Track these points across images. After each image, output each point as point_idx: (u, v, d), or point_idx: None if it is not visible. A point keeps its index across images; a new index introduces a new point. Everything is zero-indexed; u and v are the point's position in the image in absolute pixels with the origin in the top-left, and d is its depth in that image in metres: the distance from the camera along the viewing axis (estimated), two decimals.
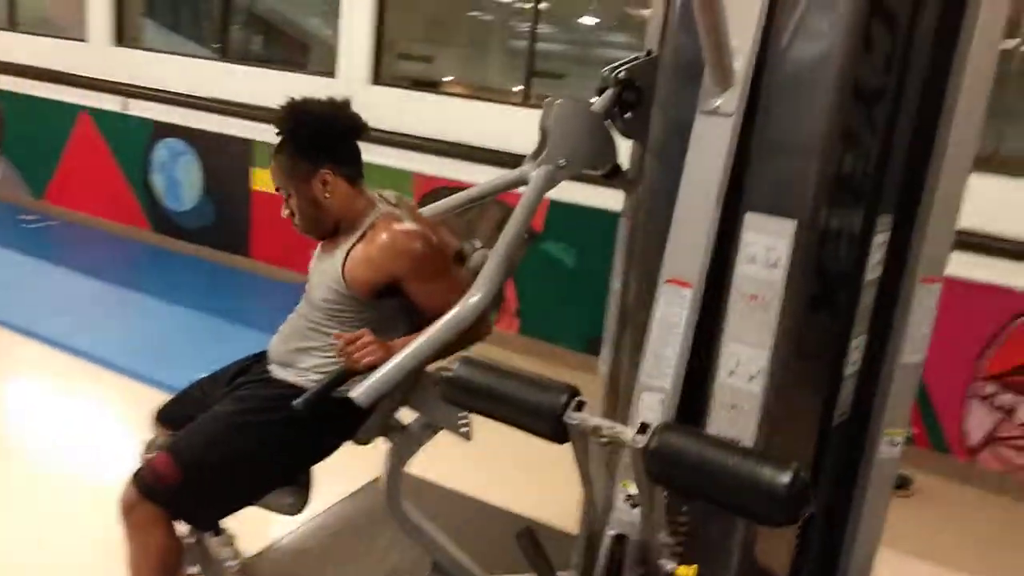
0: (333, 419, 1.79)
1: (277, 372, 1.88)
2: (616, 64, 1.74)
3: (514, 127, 4.20)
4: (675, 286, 1.28)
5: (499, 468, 2.98)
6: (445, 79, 5.53)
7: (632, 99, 1.71)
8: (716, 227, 1.27)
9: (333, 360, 1.76)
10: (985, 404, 3.29)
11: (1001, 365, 3.23)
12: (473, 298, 1.50)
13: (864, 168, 1.39)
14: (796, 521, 1.00)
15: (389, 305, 1.78)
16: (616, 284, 1.92)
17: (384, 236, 1.74)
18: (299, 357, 1.84)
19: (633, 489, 1.30)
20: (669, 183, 1.42)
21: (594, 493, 1.31)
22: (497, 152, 4.07)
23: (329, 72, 4.70)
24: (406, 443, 1.84)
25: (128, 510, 1.73)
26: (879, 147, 1.41)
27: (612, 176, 1.83)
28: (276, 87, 4.81)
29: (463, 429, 1.83)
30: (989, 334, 3.22)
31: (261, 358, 1.98)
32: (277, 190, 1.85)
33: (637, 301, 1.51)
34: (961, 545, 2.97)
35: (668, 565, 1.29)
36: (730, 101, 1.22)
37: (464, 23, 5.70)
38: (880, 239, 1.51)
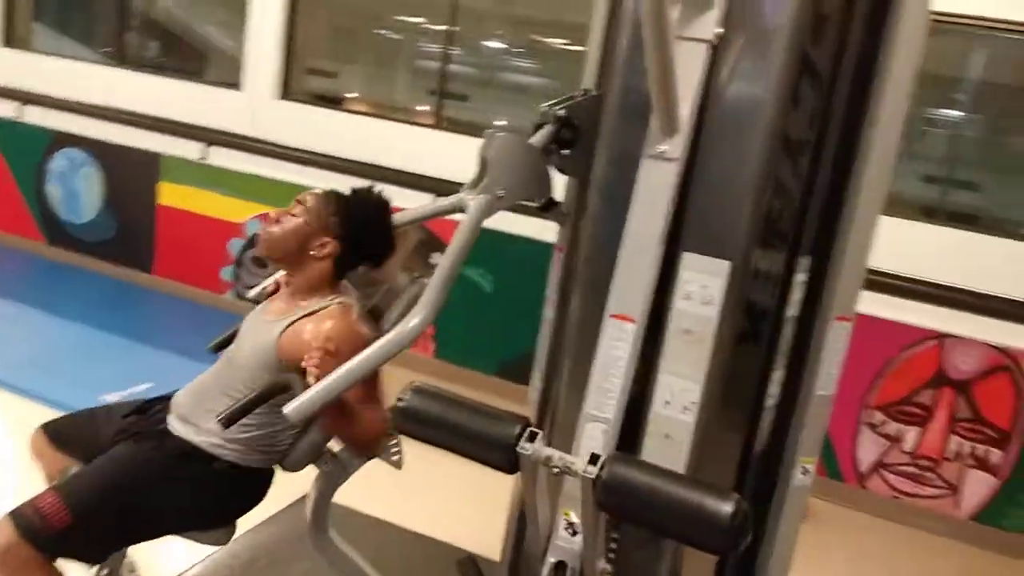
0: (240, 486, 1.77)
1: (176, 426, 1.81)
2: (555, 101, 1.80)
3: (426, 149, 4.26)
4: (619, 321, 1.33)
5: (422, 496, 2.97)
6: (350, 95, 5.51)
7: (569, 137, 1.77)
8: (659, 266, 1.33)
9: (237, 430, 1.73)
10: (874, 433, 3.50)
11: (888, 396, 3.46)
12: (412, 322, 1.50)
13: (789, 213, 1.49)
14: (737, 549, 1.06)
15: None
16: (549, 314, 1.97)
17: (331, 322, 1.72)
18: (204, 417, 1.77)
19: (574, 517, 1.34)
20: (612, 218, 1.48)
21: (538, 522, 1.33)
22: (410, 174, 4.08)
23: (233, 84, 4.62)
24: (335, 471, 1.82)
25: (3, 551, 1.58)
26: (801, 193, 1.50)
27: (547, 209, 1.88)
28: (181, 97, 4.73)
29: (394, 457, 1.84)
30: (879, 366, 3.45)
31: (159, 403, 1.91)
32: (297, 202, 1.82)
33: (579, 332, 1.56)
34: (851, 567, 3.14)
35: None
36: (675, 147, 1.29)
37: (371, 40, 5.69)
38: (800, 279, 1.61)
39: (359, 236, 1.81)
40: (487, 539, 2.62)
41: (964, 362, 3.28)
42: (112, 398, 2.98)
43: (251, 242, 4.50)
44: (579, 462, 1.15)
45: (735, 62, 1.34)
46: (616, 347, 1.33)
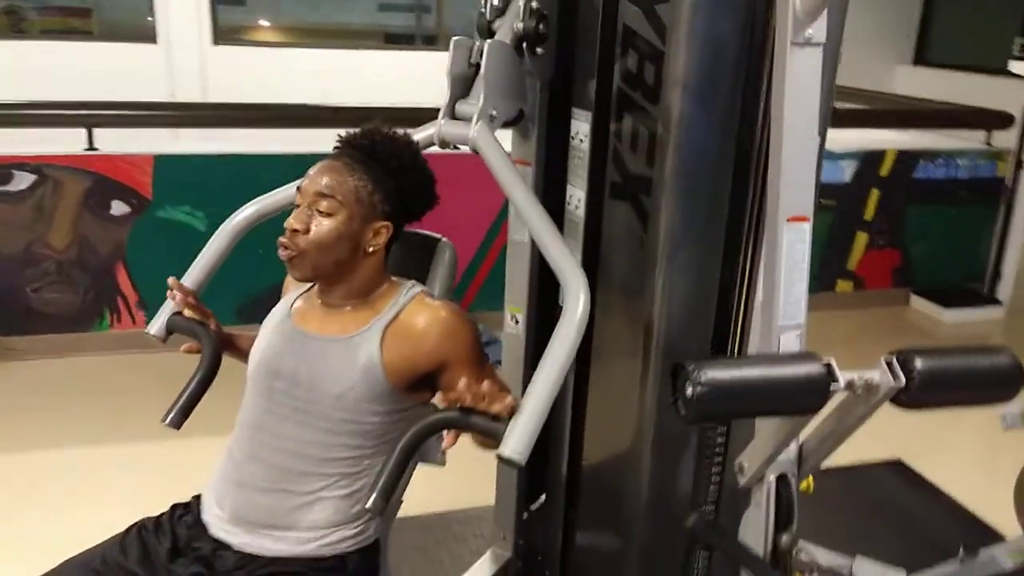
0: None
1: (255, 543, 1.30)
2: None
3: None
4: (796, 223, 1.26)
5: None
6: None
7: (545, 32, 1.53)
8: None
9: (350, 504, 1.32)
10: None
11: None
12: (580, 297, 1.22)
13: None
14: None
15: (414, 403, 1.37)
16: (523, 237, 1.76)
17: (431, 314, 1.33)
18: (306, 510, 1.30)
19: None
20: (704, 119, 1.37)
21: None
22: None
23: None
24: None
25: None
26: None
27: (516, 121, 1.63)
28: None
29: (440, 456, 1.56)
30: None
31: (186, 535, 1.35)
32: (320, 195, 1.28)
33: (672, 246, 1.43)
34: None
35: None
36: (820, 29, 1.21)
37: None
38: None
39: (411, 202, 1.36)
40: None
41: None
42: None
43: None
44: (877, 376, 1.12)
45: None
46: (797, 250, 1.26)
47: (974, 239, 4.34)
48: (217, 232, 1.62)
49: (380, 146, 1.32)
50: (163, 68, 5.97)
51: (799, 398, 1.09)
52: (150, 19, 6.21)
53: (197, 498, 1.38)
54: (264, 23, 7.44)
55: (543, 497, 2.02)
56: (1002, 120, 4.11)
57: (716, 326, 1.50)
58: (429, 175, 1.37)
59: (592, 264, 1.65)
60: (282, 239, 1.29)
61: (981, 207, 4.29)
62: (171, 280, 1.46)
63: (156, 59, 5.93)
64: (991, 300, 4.28)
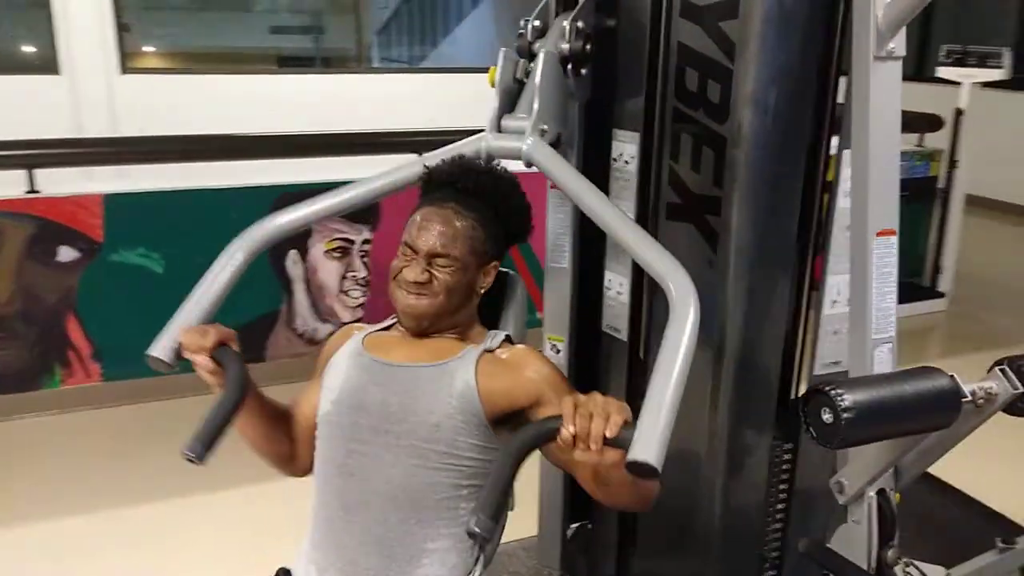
0: None
1: None
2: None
3: None
4: (884, 237, 1.25)
5: None
6: None
7: (591, 52, 1.49)
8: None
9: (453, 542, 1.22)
10: None
11: None
12: (690, 298, 1.13)
13: None
14: None
15: (503, 444, 1.25)
16: (562, 264, 1.70)
17: (524, 350, 1.28)
18: (414, 566, 1.20)
19: None
20: (772, 134, 1.37)
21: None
22: None
23: None
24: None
25: None
26: None
27: (555, 146, 1.57)
28: None
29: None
30: None
31: None
32: (438, 254, 1.23)
33: (748, 265, 1.41)
34: None
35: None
36: (901, 43, 1.20)
37: None
38: None
39: (516, 238, 1.33)
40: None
41: None
42: None
43: None
44: (996, 386, 1.12)
45: None
46: (886, 264, 1.26)
47: (913, 236, 4.52)
48: (224, 253, 1.35)
49: (484, 186, 1.27)
50: (67, 100, 5.64)
51: (937, 415, 1.07)
52: (30, 48, 5.80)
53: (286, 572, 1.25)
54: (150, 49, 7.11)
55: (576, 525, 1.96)
56: (932, 123, 4.31)
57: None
58: (529, 206, 1.33)
59: (646, 286, 1.61)
60: (410, 298, 1.23)
61: (918, 205, 4.47)
62: (185, 339, 1.22)
63: (58, 90, 5.59)
64: (934, 293, 4.47)
